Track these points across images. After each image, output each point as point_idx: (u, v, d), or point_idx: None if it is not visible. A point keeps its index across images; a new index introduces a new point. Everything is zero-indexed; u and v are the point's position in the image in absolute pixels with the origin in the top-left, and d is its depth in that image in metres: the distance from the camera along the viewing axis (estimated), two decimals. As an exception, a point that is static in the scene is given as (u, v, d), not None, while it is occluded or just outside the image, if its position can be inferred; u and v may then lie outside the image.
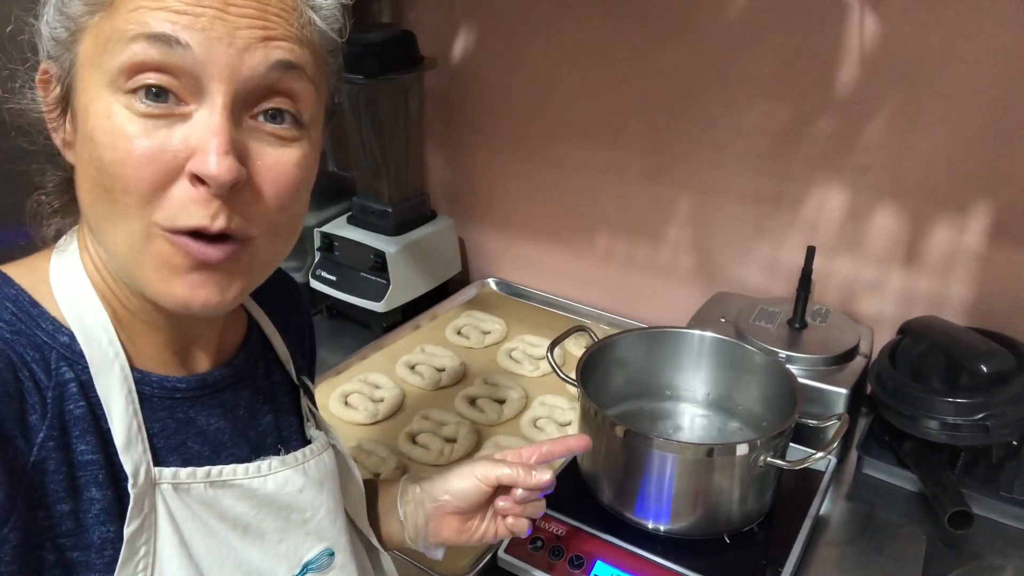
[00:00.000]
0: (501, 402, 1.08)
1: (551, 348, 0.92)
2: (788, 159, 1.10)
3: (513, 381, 1.12)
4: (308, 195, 0.51)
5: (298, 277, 1.34)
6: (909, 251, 1.05)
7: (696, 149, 1.17)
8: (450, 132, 1.42)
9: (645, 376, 0.97)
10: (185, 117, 0.44)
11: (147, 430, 0.51)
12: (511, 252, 1.45)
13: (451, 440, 1.00)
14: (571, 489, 0.88)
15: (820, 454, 0.75)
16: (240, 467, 0.55)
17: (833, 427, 0.82)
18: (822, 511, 0.90)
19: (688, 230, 1.23)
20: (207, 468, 0.53)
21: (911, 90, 0.98)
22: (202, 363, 0.56)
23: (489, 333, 1.26)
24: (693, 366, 0.97)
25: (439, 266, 1.38)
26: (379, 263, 1.26)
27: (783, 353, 0.97)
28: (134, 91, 0.43)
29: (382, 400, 1.08)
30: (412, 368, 1.16)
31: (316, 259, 1.35)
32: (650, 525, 0.82)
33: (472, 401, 1.08)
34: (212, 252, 0.46)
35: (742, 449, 0.76)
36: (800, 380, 0.93)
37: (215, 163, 0.43)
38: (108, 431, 0.49)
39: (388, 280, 1.26)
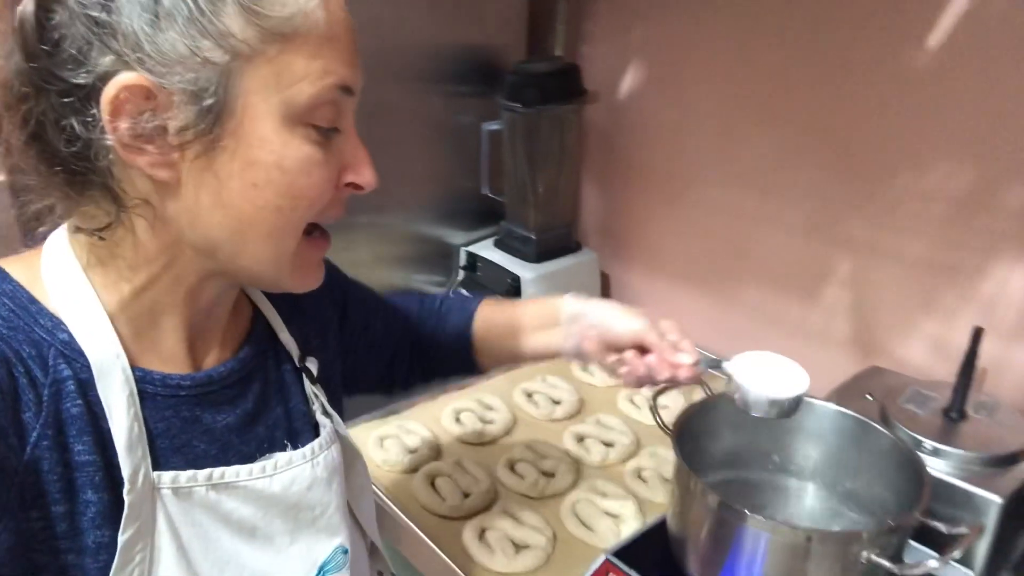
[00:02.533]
0: (609, 445, 1.04)
1: (655, 395, 0.87)
2: (970, 228, 0.97)
3: (627, 426, 1.08)
4: None
5: (440, 292, 1.38)
6: (1109, 349, 0.89)
7: (864, 206, 1.07)
8: (606, 166, 1.41)
9: (755, 442, 0.89)
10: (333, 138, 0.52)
11: (151, 430, 0.50)
12: (654, 293, 1.40)
13: (549, 474, 0.97)
14: (655, 550, 0.82)
15: (935, 562, 0.64)
16: (243, 468, 0.53)
17: (966, 535, 0.70)
18: (952, 634, 0.77)
19: (846, 294, 1.13)
20: (208, 471, 0.52)
21: None
22: (208, 359, 0.56)
23: (616, 374, 1.22)
24: (812, 439, 0.87)
25: (577, 299, 1.36)
26: (514, 287, 1.26)
27: (929, 443, 0.85)
28: (312, 124, 0.49)
29: (492, 422, 1.08)
30: (529, 396, 1.15)
31: (460, 277, 1.38)
32: (734, 605, 0.74)
33: (580, 439, 1.05)
34: (327, 241, 0.56)
35: (844, 539, 0.67)
36: (944, 478, 0.82)
37: (371, 174, 0.54)
38: (107, 431, 0.48)
39: (521, 305, 1.26)
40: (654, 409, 0.85)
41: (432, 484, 0.95)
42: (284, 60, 0.46)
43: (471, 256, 1.35)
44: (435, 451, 1.02)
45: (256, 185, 0.48)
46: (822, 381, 1.06)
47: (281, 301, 0.65)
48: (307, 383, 0.64)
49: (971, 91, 0.94)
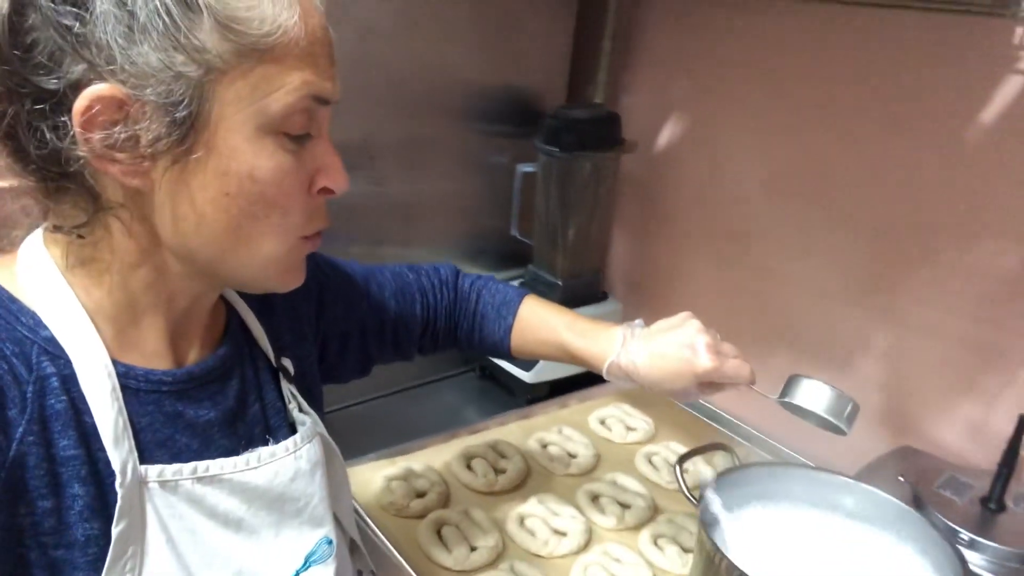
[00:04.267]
0: (626, 507, 0.99)
1: (681, 460, 0.83)
2: (1016, 309, 0.93)
3: (645, 488, 1.03)
4: None
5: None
6: None
7: (906, 279, 1.04)
8: (639, 218, 1.39)
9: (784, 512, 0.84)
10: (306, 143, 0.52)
11: (134, 425, 0.50)
12: (679, 351, 1.36)
13: (560, 533, 0.93)
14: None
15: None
16: (228, 461, 0.54)
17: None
18: None
19: (882, 367, 1.08)
20: (193, 464, 0.52)
21: None
22: (191, 354, 0.57)
23: (634, 430, 1.18)
24: (843, 516, 0.83)
25: (599, 350, 1.32)
26: (537, 334, 1.23)
27: (966, 535, 0.80)
28: (285, 132, 0.49)
29: (504, 471, 1.04)
30: (544, 446, 1.11)
31: (481, 318, 1.35)
32: None
33: (595, 498, 1.01)
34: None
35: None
36: (982, 573, 0.77)
37: (344, 178, 0.54)
38: (91, 426, 0.49)
39: (542, 352, 1.23)
40: (679, 475, 0.81)
41: (438, 533, 0.91)
42: (259, 73, 0.46)
43: (495, 298, 1.33)
44: (443, 498, 0.98)
45: (229, 194, 0.48)
46: (852, 456, 1.02)
47: (251, 299, 0.65)
48: (284, 382, 0.64)
49: (1016, 169, 0.91)
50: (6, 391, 0.46)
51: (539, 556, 0.90)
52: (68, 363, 0.49)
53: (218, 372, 0.58)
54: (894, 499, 0.80)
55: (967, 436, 1.00)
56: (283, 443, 0.58)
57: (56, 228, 0.50)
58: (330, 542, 0.60)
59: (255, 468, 0.55)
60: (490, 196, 1.33)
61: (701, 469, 1.02)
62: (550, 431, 1.15)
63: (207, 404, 0.56)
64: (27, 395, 0.47)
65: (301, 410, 0.64)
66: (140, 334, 0.53)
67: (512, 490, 1.02)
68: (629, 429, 1.18)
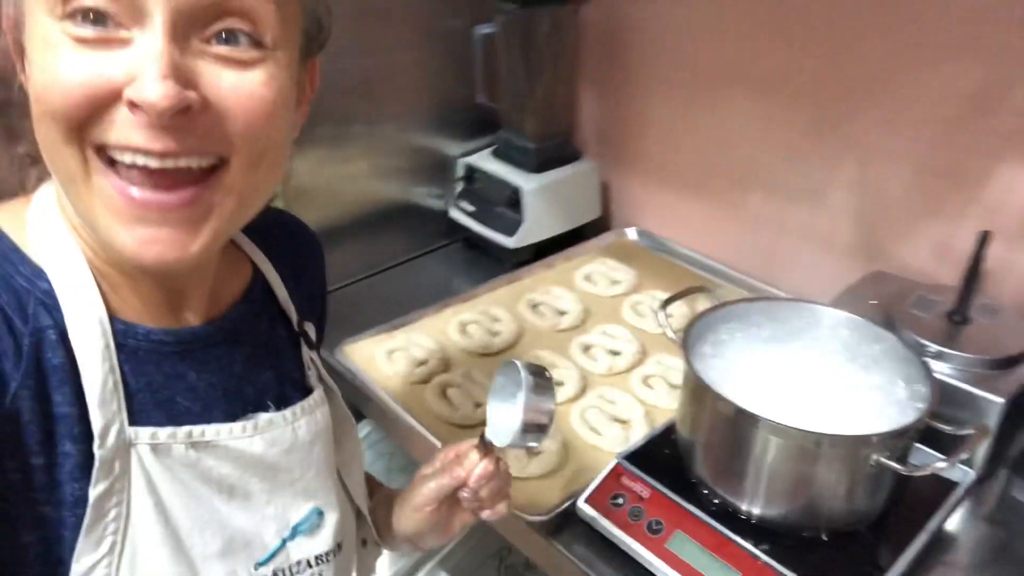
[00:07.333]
0: (616, 354, 1.05)
1: (664, 305, 0.87)
2: (976, 130, 0.96)
3: (632, 335, 1.08)
4: (287, 121, 0.48)
5: (439, 205, 1.36)
6: (1114, 250, 0.89)
7: (869, 108, 1.05)
8: (605, 71, 1.37)
9: (761, 346, 0.90)
10: (125, 43, 0.41)
11: (131, 385, 0.49)
12: (656, 202, 1.38)
13: (557, 383, 0.99)
14: (663, 454, 0.84)
15: (943, 463, 0.66)
16: (224, 427, 0.52)
17: (972, 437, 0.72)
18: (951, 528, 0.81)
19: (851, 197, 1.12)
20: (188, 428, 0.50)
21: None
22: (194, 315, 0.54)
23: (619, 283, 1.22)
24: (820, 343, 0.88)
25: (577, 209, 1.35)
26: (515, 199, 1.25)
27: (934, 347, 0.87)
28: (71, 16, 0.41)
29: (498, 334, 1.08)
30: (534, 307, 1.15)
31: (458, 189, 1.36)
32: (743, 507, 0.77)
33: (587, 348, 1.06)
34: (164, 198, 0.43)
35: (854, 443, 0.69)
36: (948, 381, 0.83)
37: (151, 88, 0.40)
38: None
39: (522, 216, 1.25)
40: (663, 318, 0.86)
41: (444, 394, 0.96)
42: None
43: (469, 168, 1.33)
44: (444, 363, 1.03)
45: (31, 95, 0.44)
46: (829, 285, 1.07)
47: (282, 260, 0.63)
48: (304, 348, 0.62)
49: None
50: (0, 343, 0.44)
51: (539, 407, 0.95)
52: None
53: (224, 335, 0.55)
54: (866, 320, 0.85)
55: (934, 256, 1.05)
56: (283, 412, 0.56)
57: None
58: (320, 513, 0.58)
59: (250, 436, 0.53)
60: (452, 63, 1.29)
61: (684, 312, 1.07)
62: (538, 292, 1.19)
63: (212, 367, 0.54)
64: (23, 348, 0.45)
65: (321, 379, 0.63)
66: (136, 289, 0.50)
67: (507, 350, 1.07)
68: (614, 282, 1.22)
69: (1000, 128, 0.94)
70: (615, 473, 0.81)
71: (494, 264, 1.33)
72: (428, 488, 0.66)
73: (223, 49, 0.43)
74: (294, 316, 0.63)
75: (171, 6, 0.41)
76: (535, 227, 1.27)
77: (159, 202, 0.43)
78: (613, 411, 0.94)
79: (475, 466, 0.64)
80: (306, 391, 0.61)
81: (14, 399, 0.44)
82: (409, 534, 0.71)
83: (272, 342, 0.60)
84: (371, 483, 0.76)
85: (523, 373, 0.63)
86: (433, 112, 1.31)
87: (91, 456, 0.46)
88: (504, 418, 0.63)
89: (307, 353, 0.63)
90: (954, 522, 0.81)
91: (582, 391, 0.98)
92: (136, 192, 0.43)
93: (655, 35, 1.27)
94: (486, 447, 0.64)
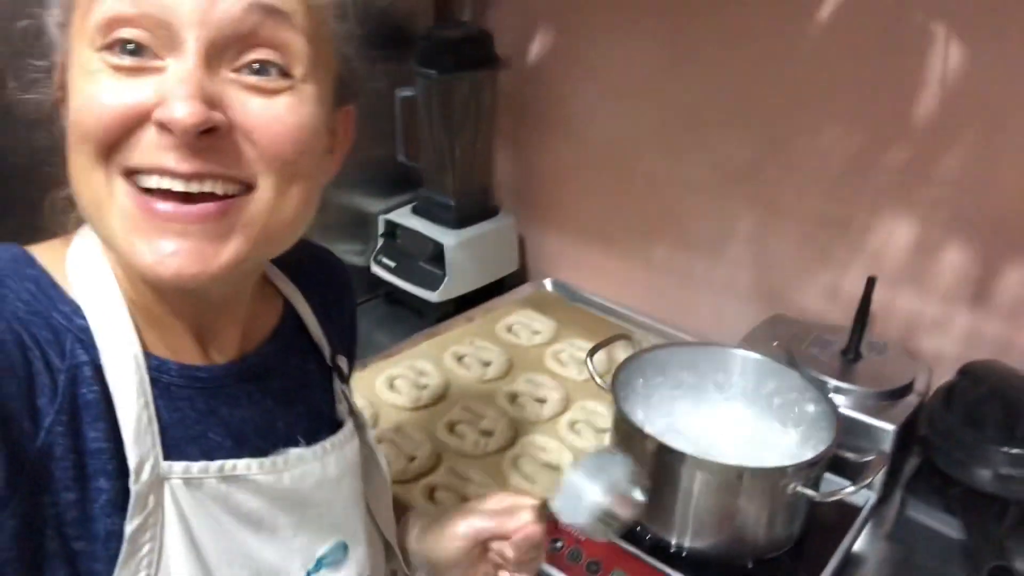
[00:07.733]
0: (542, 402, 1.09)
1: (591, 353, 0.92)
2: (859, 186, 1.07)
3: (556, 383, 1.13)
4: (315, 153, 0.49)
5: (360, 261, 1.38)
6: (977, 291, 1.01)
7: (766, 167, 1.15)
8: (520, 131, 1.44)
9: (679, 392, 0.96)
10: (160, 71, 0.43)
11: (164, 420, 0.49)
12: (570, 255, 1.45)
13: (488, 433, 1.01)
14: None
15: (851, 488, 0.73)
16: (255, 462, 0.52)
17: (873, 462, 0.80)
18: (858, 548, 0.88)
19: (750, 248, 1.21)
20: (220, 463, 0.50)
21: (993, 123, 0.94)
22: (227, 352, 0.54)
23: (539, 333, 1.27)
24: (735, 387, 0.95)
25: (497, 262, 1.39)
26: (437, 254, 1.28)
27: (832, 383, 0.95)
28: (110, 47, 0.43)
29: (426, 387, 1.10)
30: (459, 359, 1.18)
31: (379, 245, 1.38)
32: (673, 541, 0.81)
33: (514, 398, 1.10)
34: (187, 209, 0.44)
35: (771, 475, 0.74)
36: (846, 412, 0.91)
37: (178, 107, 0.41)
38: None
39: (444, 271, 1.28)
40: (591, 366, 0.91)
41: (376, 450, 0.97)
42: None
43: (390, 224, 1.35)
44: (373, 419, 1.04)
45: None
46: (733, 329, 1.16)
47: (313, 294, 0.63)
48: (336, 381, 0.63)
49: (855, 63, 1.02)
50: (36, 378, 0.44)
51: (472, 456, 0.98)
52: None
53: (257, 371, 0.56)
54: (772, 360, 0.93)
55: (826, 299, 1.15)
56: (313, 448, 0.56)
57: None
58: (345, 547, 0.58)
59: (281, 471, 0.54)
60: (372, 124, 1.32)
61: (602, 359, 1.12)
62: (463, 344, 1.21)
63: (244, 402, 0.54)
64: (59, 384, 0.45)
65: (352, 412, 0.63)
66: (174, 327, 0.51)
67: (436, 402, 1.09)
68: (534, 332, 1.27)
69: (878, 184, 1.05)
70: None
71: (416, 318, 1.35)
72: (469, 524, 0.64)
73: (252, 79, 0.45)
74: (327, 350, 0.63)
75: (204, 31, 0.42)
76: (457, 281, 1.30)
77: (182, 214, 0.44)
78: (545, 457, 0.97)
79: (524, 526, 0.62)
80: (336, 425, 0.61)
81: (48, 434, 0.44)
82: (431, 559, 0.68)
83: (303, 377, 0.60)
84: (397, 506, 0.73)
85: (625, 460, 0.62)
86: (355, 171, 1.33)
87: (125, 491, 0.46)
88: (582, 496, 0.60)
89: (339, 386, 0.63)
90: (860, 542, 0.88)
91: (513, 439, 1.01)
92: (159, 205, 0.43)
93: (564, 102, 1.35)
94: (544, 514, 0.62)
